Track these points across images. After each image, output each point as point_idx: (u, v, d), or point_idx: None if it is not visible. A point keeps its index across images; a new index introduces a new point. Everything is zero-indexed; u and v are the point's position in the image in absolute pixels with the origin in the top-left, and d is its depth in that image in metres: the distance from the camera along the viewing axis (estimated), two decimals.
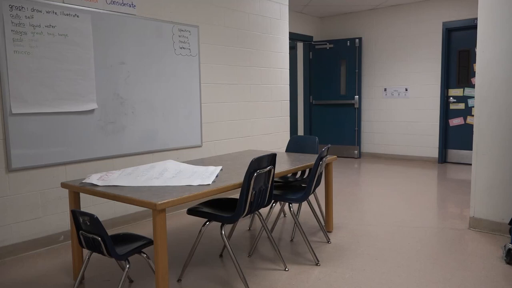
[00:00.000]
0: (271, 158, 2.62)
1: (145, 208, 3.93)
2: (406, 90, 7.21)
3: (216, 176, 2.65)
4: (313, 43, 7.89)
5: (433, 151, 7.05)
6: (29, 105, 3.12)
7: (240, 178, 2.59)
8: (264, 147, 5.34)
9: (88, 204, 3.56)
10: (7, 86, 2.99)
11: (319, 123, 8.02)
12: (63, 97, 3.31)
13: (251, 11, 5.03)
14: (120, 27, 3.66)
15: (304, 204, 4.28)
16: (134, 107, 3.82)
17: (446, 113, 6.93)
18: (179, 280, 2.68)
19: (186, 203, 4.11)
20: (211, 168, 2.86)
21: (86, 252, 2.44)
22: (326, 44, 7.78)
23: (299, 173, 3.84)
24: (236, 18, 4.83)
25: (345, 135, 7.78)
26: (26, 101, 3.10)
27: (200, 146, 4.49)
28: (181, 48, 4.18)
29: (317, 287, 2.56)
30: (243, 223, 3.85)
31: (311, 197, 4.61)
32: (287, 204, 3.16)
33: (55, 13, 3.22)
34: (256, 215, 3.76)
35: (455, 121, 6.88)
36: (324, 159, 3.07)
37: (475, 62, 6.48)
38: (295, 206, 3.99)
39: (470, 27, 6.48)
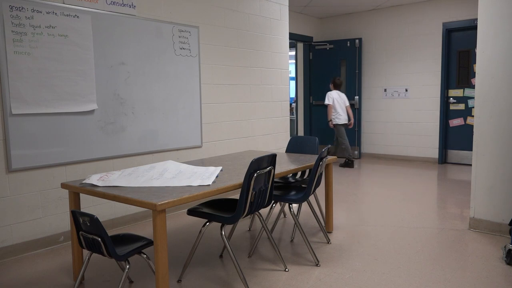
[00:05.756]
0: (271, 159, 2.62)
1: (145, 209, 3.92)
2: (406, 90, 7.21)
3: (216, 177, 2.65)
4: (313, 43, 7.89)
5: (433, 152, 7.04)
6: (29, 105, 3.11)
7: (240, 178, 2.59)
8: (264, 148, 5.33)
9: (88, 204, 3.56)
10: (7, 87, 2.99)
11: (319, 124, 8.01)
12: (63, 98, 3.31)
13: (251, 11, 5.03)
14: (120, 28, 3.66)
15: (304, 204, 4.28)
16: (134, 108, 3.82)
17: (446, 113, 6.93)
18: (179, 281, 2.68)
19: (186, 204, 4.11)
20: (211, 168, 2.86)
21: (86, 252, 2.44)
22: (326, 44, 7.78)
23: (299, 173, 3.84)
24: (236, 18, 4.83)
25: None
26: (26, 102, 3.10)
27: (200, 147, 4.49)
28: (181, 48, 4.18)
29: (317, 287, 2.56)
30: (243, 223, 3.85)
31: (311, 198, 4.60)
32: (287, 204, 3.16)
33: (55, 13, 3.22)
34: (256, 216, 3.75)
35: (455, 122, 6.88)
36: (324, 159, 3.07)
37: (475, 63, 6.48)
38: (295, 206, 3.99)
39: (470, 28, 6.48)
